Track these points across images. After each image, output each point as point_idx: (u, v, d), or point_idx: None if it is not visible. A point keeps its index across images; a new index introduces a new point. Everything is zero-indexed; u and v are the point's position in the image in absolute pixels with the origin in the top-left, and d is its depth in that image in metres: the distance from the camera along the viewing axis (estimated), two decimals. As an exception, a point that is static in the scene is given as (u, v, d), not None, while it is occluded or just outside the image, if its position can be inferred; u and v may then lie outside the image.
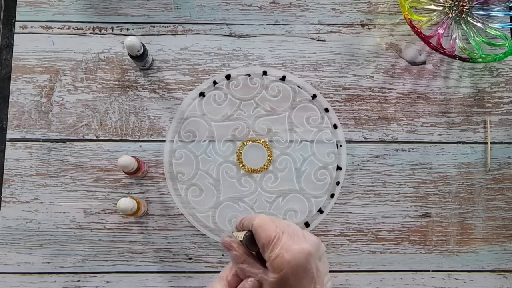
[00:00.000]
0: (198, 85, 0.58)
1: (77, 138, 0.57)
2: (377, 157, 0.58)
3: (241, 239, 0.44)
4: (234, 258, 0.44)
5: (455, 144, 0.59)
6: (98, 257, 0.56)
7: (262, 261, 0.43)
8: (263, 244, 0.43)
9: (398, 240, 0.57)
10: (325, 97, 0.59)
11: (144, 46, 0.54)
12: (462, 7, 0.60)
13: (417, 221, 0.58)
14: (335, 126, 0.58)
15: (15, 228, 0.56)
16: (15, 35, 0.58)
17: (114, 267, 0.56)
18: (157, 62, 0.58)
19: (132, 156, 0.51)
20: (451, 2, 0.61)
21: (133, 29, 0.59)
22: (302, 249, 0.42)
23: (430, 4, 0.60)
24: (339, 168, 0.57)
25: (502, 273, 0.58)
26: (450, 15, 0.60)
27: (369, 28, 0.60)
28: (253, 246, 0.44)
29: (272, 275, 0.42)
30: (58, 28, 0.59)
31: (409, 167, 0.58)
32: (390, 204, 0.58)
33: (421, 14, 0.60)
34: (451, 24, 0.60)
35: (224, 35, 0.59)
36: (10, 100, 0.57)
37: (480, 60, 0.56)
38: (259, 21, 0.60)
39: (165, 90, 0.58)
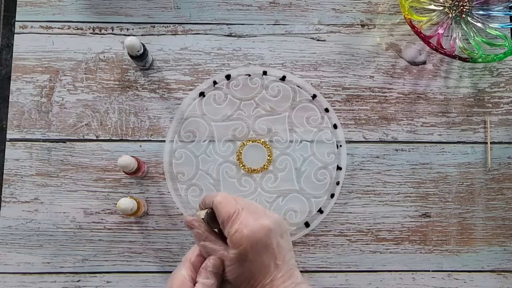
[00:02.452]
0: (198, 85, 0.58)
1: (77, 138, 0.57)
2: (377, 157, 0.58)
3: (203, 216, 0.44)
4: (196, 236, 0.44)
5: (455, 144, 0.59)
6: (98, 257, 0.56)
7: (224, 239, 0.43)
8: (222, 220, 0.43)
9: (398, 240, 0.57)
10: (325, 97, 0.59)
11: (144, 46, 0.54)
12: (462, 7, 0.60)
13: (417, 221, 0.58)
14: (335, 126, 0.58)
15: (15, 228, 0.56)
16: (15, 35, 0.58)
17: (114, 267, 0.56)
18: (157, 62, 0.58)
19: (132, 156, 0.51)
20: (451, 2, 0.61)
21: (133, 29, 0.59)
22: (262, 225, 0.42)
23: (430, 4, 0.60)
24: (339, 168, 0.57)
25: (502, 273, 0.58)
26: (450, 15, 0.60)
27: (369, 28, 0.60)
28: (214, 223, 0.45)
29: (232, 250, 0.42)
30: (58, 28, 0.59)
31: (409, 167, 0.58)
32: (390, 204, 0.58)
33: (421, 14, 0.60)
34: (451, 24, 0.60)
35: (224, 35, 0.59)
36: (10, 100, 0.57)
37: (480, 60, 0.56)
38: (259, 21, 0.60)
39: (165, 90, 0.58)
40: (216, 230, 0.45)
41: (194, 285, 0.43)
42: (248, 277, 0.43)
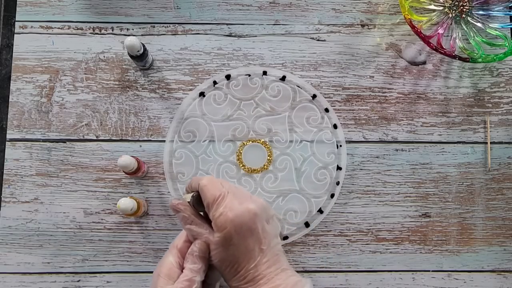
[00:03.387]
0: (198, 85, 0.58)
1: (77, 138, 0.57)
2: (377, 157, 0.58)
3: (189, 200, 0.44)
4: (182, 220, 0.44)
5: (455, 144, 0.59)
6: (98, 257, 0.56)
7: (209, 222, 0.43)
8: (208, 203, 0.43)
9: (398, 240, 0.57)
10: (325, 97, 0.59)
11: (144, 46, 0.54)
12: (462, 7, 0.60)
13: (417, 221, 0.58)
14: (335, 126, 0.58)
15: (15, 228, 0.56)
16: (15, 35, 0.58)
17: (114, 267, 0.56)
18: (157, 62, 0.58)
19: (132, 156, 0.51)
20: (451, 2, 0.61)
21: (133, 29, 0.59)
22: (247, 209, 0.42)
23: (430, 4, 0.60)
24: (339, 168, 0.57)
25: (502, 273, 0.58)
26: (450, 15, 0.60)
27: (369, 28, 0.60)
28: (200, 207, 0.44)
29: (217, 234, 0.42)
30: (58, 28, 0.59)
31: (409, 167, 0.58)
32: (390, 204, 0.58)
33: (421, 14, 0.60)
34: (451, 24, 0.60)
35: (224, 35, 0.59)
36: (10, 100, 0.57)
37: (480, 60, 0.56)
38: (259, 21, 0.60)
39: (165, 90, 0.58)
40: (202, 214, 0.45)
41: (182, 271, 0.43)
42: (232, 261, 0.42)
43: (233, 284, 0.43)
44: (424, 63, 0.60)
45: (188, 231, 0.44)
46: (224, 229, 0.41)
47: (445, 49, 0.55)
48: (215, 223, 0.42)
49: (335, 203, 0.57)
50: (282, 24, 0.60)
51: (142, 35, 0.59)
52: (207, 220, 0.44)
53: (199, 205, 0.44)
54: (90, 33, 0.59)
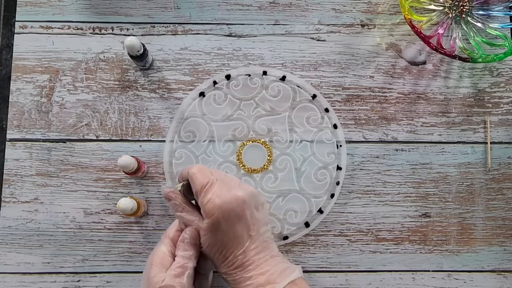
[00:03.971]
0: (198, 85, 0.58)
1: (77, 138, 0.57)
2: (377, 157, 0.58)
3: (180, 188, 0.46)
4: (173, 207, 0.46)
5: (455, 144, 0.59)
6: (98, 257, 0.56)
7: (200, 210, 0.44)
8: (196, 191, 0.44)
9: (398, 240, 0.57)
10: (325, 97, 0.59)
11: (144, 46, 0.54)
12: (462, 7, 0.60)
13: (417, 221, 0.58)
14: (335, 126, 0.58)
15: (15, 228, 0.56)
16: (15, 35, 0.58)
17: (114, 267, 0.56)
18: (157, 62, 0.58)
19: (132, 156, 0.51)
20: (451, 2, 0.61)
21: (133, 29, 0.59)
22: (235, 195, 0.43)
23: (430, 4, 0.60)
24: (339, 168, 0.57)
25: (502, 273, 0.58)
26: (450, 15, 0.60)
27: (369, 28, 0.60)
28: (190, 195, 0.46)
29: (206, 220, 0.43)
30: (58, 28, 0.59)
31: (409, 167, 0.58)
32: (390, 204, 0.58)
33: (421, 14, 0.60)
34: (451, 24, 0.60)
35: (224, 35, 0.59)
36: (10, 100, 0.57)
37: (480, 60, 0.56)
38: (259, 21, 0.60)
39: (165, 90, 0.58)
40: (194, 203, 0.46)
41: (174, 259, 0.43)
42: (221, 247, 0.43)
43: (222, 270, 0.44)
44: (424, 63, 0.60)
45: (179, 218, 0.45)
46: (212, 215, 0.42)
47: (445, 49, 0.55)
48: (203, 210, 0.43)
49: (335, 203, 0.57)
50: (282, 24, 0.60)
51: (142, 35, 0.59)
52: (197, 208, 0.45)
53: (189, 193, 0.46)
54: (90, 33, 0.59)
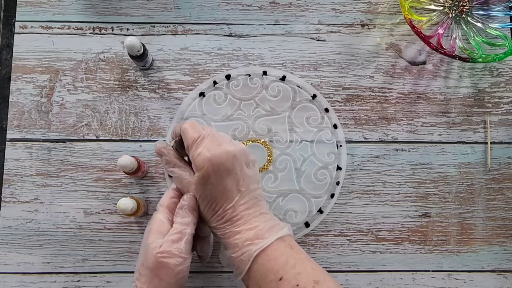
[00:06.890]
0: (198, 85, 0.58)
1: (77, 138, 0.57)
2: (377, 157, 0.58)
3: (172, 144, 0.47)
4: (166, 163, 0.46)
5: (455, 144, 0.59)
6: (98, 257, 0.56)
7: (191, 166, 0.45)
8: (188, 145, 0.44)
9: (398, 240, 0.57)
10: (325, 97, 0.59)
11: (144, 46, 0.54)
12: (462, 7, 0.60)
13: (417, 221, 0.58)
14: (335, 126, 0.58)
15: (15, 228, 0.56)
16: (15, 35, 0.58)
17: (114, 267, 0.56)
18: (157, 62, 0.58)
19: (132, 156, 0.51)
20: (451, 2, 0.61)
21: (133, 29, 0.59)
22: (225, 150, 0.43)
23: (430, 4, 0.60)
24: (339, 168, 0.57)
25: (502, 273, 0.58)
26: (450, 15, 0.60)
27: (369, 28, 0.60)
28: (182, 151, 0.46)
29: (196, 173, 0.43)
30: (58, 28, 0.59)
31: (409, 167, 0.58)
32: (390, 204, 0.58)
33: (421, 14, 0.60)
34: (451, 24, 0.60)
35: (224, 35, 0.59)
36: (10, 100, 0.57)
37: (480, 60, 0.56)
38: (259, 21, 0.60)
39: (165, 90, 0.58)
40: (186, 159, 0.47)
41: (172, 226, 0.43)
42: (210, 200, 0.43)
43: (212, 225, 0.44)
44: (424, 63, 0.60)
45: (171, 173, 0.46)
46: (202, 168, 0.43)
47: (445, 49, 0.55)
48: (194, 163, 0.43)
49: (335, 203, 0.57)
50: (282, 24, 0.60)
51: (142, 35, 0.59)
52: (189, 164, 0.46)
53: (182, 149, 0.46)
54: (90, 33, 0.59)
